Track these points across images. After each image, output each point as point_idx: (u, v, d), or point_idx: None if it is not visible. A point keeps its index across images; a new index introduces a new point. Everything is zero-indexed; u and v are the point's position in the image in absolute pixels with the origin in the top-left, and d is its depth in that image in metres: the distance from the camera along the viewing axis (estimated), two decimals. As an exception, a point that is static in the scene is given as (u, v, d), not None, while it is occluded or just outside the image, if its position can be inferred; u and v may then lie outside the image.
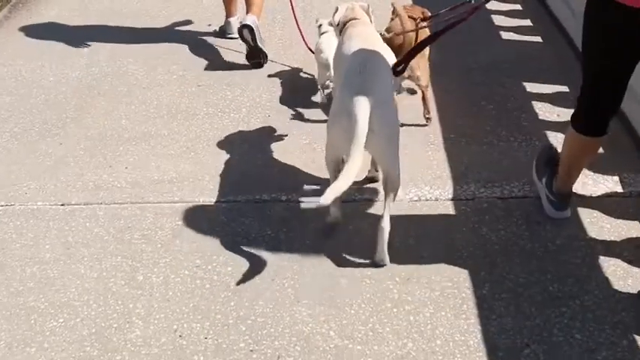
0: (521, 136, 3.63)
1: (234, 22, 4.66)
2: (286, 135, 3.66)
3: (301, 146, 3.56)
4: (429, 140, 3.60)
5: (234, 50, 4.59)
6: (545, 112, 3.82)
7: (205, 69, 4.39)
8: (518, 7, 5.16)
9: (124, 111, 3.96)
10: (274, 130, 3.71)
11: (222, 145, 3.61)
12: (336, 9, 3.21)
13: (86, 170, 3.46)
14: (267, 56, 4.36)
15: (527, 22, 4.90)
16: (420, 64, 3.58)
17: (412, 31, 3.51)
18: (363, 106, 2.49)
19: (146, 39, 4.81)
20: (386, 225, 2.72)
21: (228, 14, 4.75)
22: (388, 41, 3.44)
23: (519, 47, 4.56)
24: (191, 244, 2.95)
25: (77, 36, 4.88)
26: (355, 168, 2.44)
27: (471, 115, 3.82)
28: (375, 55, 2.79)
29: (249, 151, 3.55)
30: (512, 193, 3.21)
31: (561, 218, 3.04)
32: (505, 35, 4.74)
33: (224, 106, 3.95)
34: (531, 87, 4.06)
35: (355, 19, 3.10)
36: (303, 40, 4.26)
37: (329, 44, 3.65)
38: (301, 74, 4.30)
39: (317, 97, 3.96)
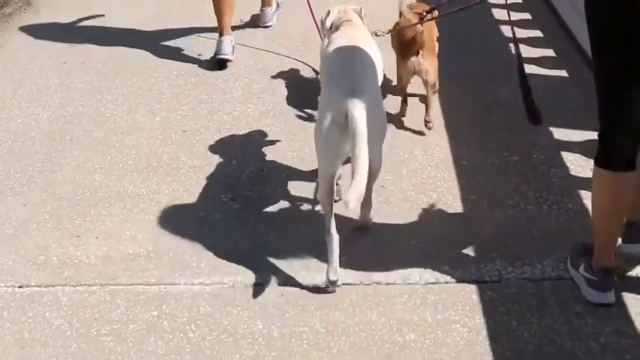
0: (551, 196, 3.16)
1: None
2: (286, 196, 3.21)
3: (300, 213, 3.11)
4: (446, 202, 3.14)
5: (226, 85, 4.13)
6: (577, 165, 3.35)
7: (192, 109, 3.92)
8: (539, 33, 4.69)
9: (99, 163, 3.49)
10: (268, 196, 3.23)
11: (208, 208, 3.14)
12: (328, 12, 3.16)
13: (51, 241, 2.99)
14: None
15: (551, 53, 4.43)
16: (429, 59, 3.53)
17: (417, 24, 3.47)
18: (357, 102, 2.45)
19: (129, 70, 4.35)
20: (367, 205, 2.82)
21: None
22: (397, 38, 3.54)
23: (543, 82, 4.07)
24: (167, 344, 2.49)
25: (55, 63, 4.47)
26: (365, 168, 2.39)
27: (493, 169, 3.35)
28: (360, 53, 2.76)
29: (237, 214, 3.09)
30: (545, 274, 2.75)
31: (604, 304, 2.58)
32: (527, 68, 4.24)
33: (212, 159, 3.48)
34: (560, 133, 3.59)
35: (347, 21, 3.05)
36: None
37: None
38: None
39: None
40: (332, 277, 2.63)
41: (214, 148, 3.56)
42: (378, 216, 3.00)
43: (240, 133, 3.68)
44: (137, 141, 3.65)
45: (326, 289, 2.66)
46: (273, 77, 4.21)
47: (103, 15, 5.13)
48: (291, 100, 3.96)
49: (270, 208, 3.12)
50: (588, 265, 2.61)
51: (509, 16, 3.31)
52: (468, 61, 4.33)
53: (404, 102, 3.75)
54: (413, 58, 3.51)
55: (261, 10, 4.85)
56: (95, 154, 3.56)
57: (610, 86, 2.42)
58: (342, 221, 2.77)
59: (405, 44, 3.52)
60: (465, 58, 4.36)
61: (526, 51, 4.39)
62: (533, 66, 4.26)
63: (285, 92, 4.04)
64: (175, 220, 3.08)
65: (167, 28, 4.91)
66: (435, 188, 3.23)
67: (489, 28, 4.72)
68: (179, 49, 4.60)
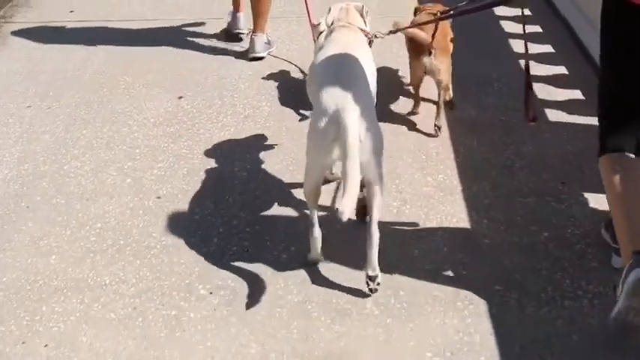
0: (590, 286, 2.65)
1: (242, 18, 4.68)
2: (278, 280, 2.69)
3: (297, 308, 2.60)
4: (464, 298, 2.61)
5: (209, 136, 3.62)
6: (620, 243, 2.84)
7: (170, 167, 3.41)
8: (563, 69, 4.17)
9: (57, 240, 2.97)
10: (254, 282, 2.73)
11: (182, 304, 2.63)
12: (329, 9, 3.06)
13: (-9, 349, 2.48)
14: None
15: (578, 95, 3.91)
16: (442, 59, 3.48)
17: (429, 22, 3.43)
18: (350, 112, 2.41)
19: (101, 116, 3.83)
20: (375, 232, 2.58)
21: (236, 9, 4.69)
22: (411, 38, 3.51)
23: (573, 133, 3.57)
24: None
25: (18, 107, 3.97)
26: (356, 180, 2.34)
27: (520, 250, 2.84)
28: (350, 60, 2.69)
29: (217, 312, 2.58)
30: (592, 400, 2.25)
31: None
32: (553, 115, 3.75)
33: (188, 236, 2.97)
34: (595, 200, 3.07)
35: (343, 26, 2.96)
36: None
37: None
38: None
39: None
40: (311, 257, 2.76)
41: (192, 222, 3.04)
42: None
43: (223, 201, 3.16)
44: (103, 209, 3.13)
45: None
46: (264, 128, 3.71)
47: (74, 43, 4.66)
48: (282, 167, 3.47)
49: (255, 308, 2.61)
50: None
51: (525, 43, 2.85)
52: (486, 106, 3.83)
53: (416, 104, 3.73)
54: (425, 58, 3.46)
55: (251, 37, 4.48)
56: (53, 226, 3.04)
57: (608, 67, 2.47)
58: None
59: (416, 43, 3.48)
60: (485, 101, 3.87)
61: (549, 92, 3.92)
62: (561, 112, 3.78)
63: (277, 153, 3.54)
64: (142, 320, 2.57)
65: (147, 65, 4.40)
66: (453, 279, 2.71)
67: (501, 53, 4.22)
68: (158, 92, 4.09)
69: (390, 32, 3.32)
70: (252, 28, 4.48)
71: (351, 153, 2.35)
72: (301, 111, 3.77)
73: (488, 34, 4.65)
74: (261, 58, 4.41)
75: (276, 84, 4.11)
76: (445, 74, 3.52)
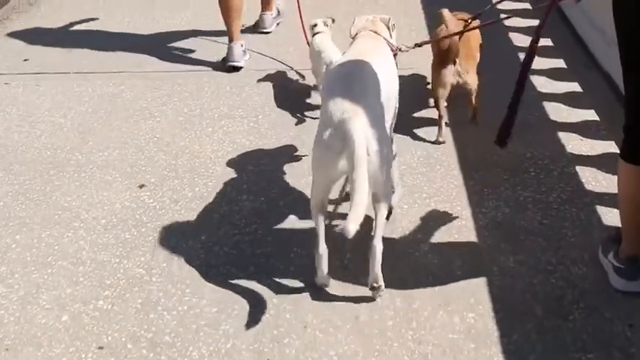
0: None
1: (268, 17, 4.77)
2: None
3: None
4: None
5: (173, 247, 2.86)
6: None
7: (119, 297, 2.63)
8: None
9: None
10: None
11: None
12: (354, 20, 2.96)
13: None
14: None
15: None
16: (469, 68, 3.43)
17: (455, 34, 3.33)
18: (357, 123, 2.30)
19: (41, 215, 3.07)
20: (377, 243, 2.49)
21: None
22: (435, 47, 3.45)
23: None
24: None
25: None
26: (365, 193, 2.22)
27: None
28: (363, 68, 2.57)
29: None
30: None
31: (630, 292, 2.54)
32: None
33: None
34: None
35: (368, 31, 2.86)
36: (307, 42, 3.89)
37: (326, 45, 3.64)
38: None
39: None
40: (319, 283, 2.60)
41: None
42: None
43: (187, 353, 2.40)
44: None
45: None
46: (244, 233, 2.94)
47: (21, 104, 3.88)
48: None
49: None
50: (617, 252, 2.59)
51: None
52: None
53: (440, 124, 3.50)
54: (450, 67, 3.37)
55: (261, 15, 4.77)
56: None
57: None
58: None
59: (441, 53, 3.39)
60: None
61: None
62: (596, 169, 3.21)
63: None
64: None
65: (105, 137, 3.64)
66: None
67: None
68: (115, 177, 3.33)
69: (416, 45, 3.12)
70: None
71: (359, 166, 2.23)
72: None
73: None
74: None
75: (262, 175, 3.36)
76: (473, 81, 3.44)
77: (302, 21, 4.08)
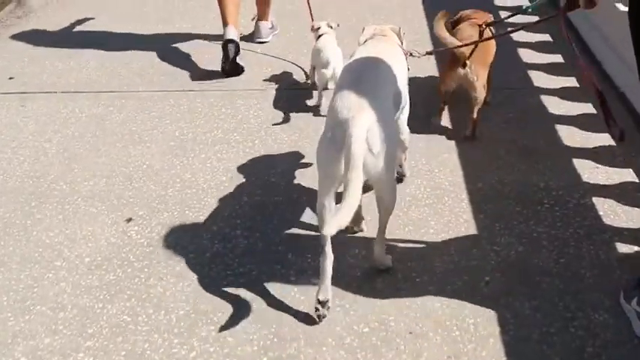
0: None
1: (264, 26, 4.75)
2: None
3: None
4: None
5: (161, 292, 2.65)
6: None
7: (101, 350, 2.43)
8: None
9: None
10: None
11: None
12: (363, 29, 2.95)
13: None
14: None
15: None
16: (480, 73, 3.37)
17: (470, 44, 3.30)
18: (359, 120, 2.24)
19: (20, 253, 2.85)
20: (379, 249, 2.60)
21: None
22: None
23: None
24: None
25: None
26: (357, 195, 2.14)
27: None
28: (374, 66, 2.54)
29: None
30: None
31: None
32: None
33: None
34: None
35: (380, 36, 2.87)
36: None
37: (327, 45, 3.68)
38: None
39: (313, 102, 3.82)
40: (321, 297, 2.43)
41: None
42: None
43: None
44: None
45: (315, 312, 2.44)
46: (236, 274, 2.73)
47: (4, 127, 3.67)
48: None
49: None
50: None
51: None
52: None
53: (441, 108, 3.61)
54: (460, 70, 3.34)
55: (256, 24, 4.75)
56: None
57: None
58: None
59: (452, 54, 3.36)
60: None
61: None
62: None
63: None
64: None
65: (92, 164, 3.44)
66: None
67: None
68: (101, 209, 3.12)
69: (427, 53, 3.14)
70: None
71: (355, 167, 2.16)
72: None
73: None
74: (264, 42, 4.64)
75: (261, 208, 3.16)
76: (481, 88, 3.38)
77: (312, 16, 4.18)
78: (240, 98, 4.00)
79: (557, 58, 4.29)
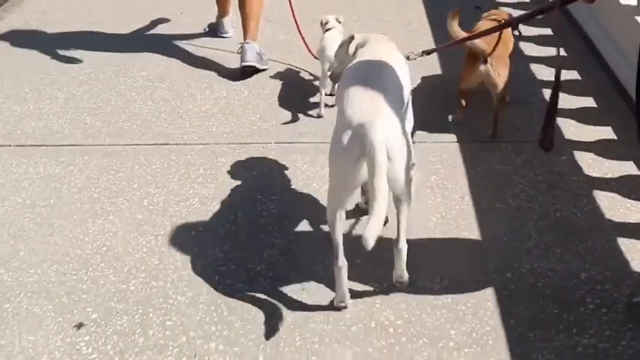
0: None
1: (227, 22, 4.63)
2: None
3: None
4: None
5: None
6: None
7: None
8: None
9: None
10: None
11: None
12: (351, 37, 2.78)
13: None
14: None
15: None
16: (499, 67, 3.32)
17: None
18: (378, 125, 2.19)
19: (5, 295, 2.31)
20: (403, 246, 2.49)
21: (222, 13, 4.62)
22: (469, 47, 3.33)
23: None
24: None
25: None
26: (384, 202, 2.13)
27: None
28: (381, 69, 2.47)
29: None
30: None
31: None
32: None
33: None
34: None
35: (375, 39, 2.75)
36: (306, 46, 4.13)
37: (333, 40, 3.57)
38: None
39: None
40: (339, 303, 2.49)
41: None
42: None
43: None
44: None
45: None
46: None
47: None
48: None
49: None
50: None
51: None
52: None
53: (459, 109, 3.52)
54: (482, 66, 3.31)
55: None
56: None
57: None
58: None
59: (473, 50, 3.32)
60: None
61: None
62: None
63: None
64: None
65: (41, 248, 2.87)
66: None
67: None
68: (49, 313, 2.55)
69: (424, 53, 3.02)
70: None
71: (380, 173, 2.14)
72: None
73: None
74: (252, 68, 4.10)
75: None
76: (501, 85, 3.34)
77: (298, 27, 4.15)
78: (222, 155, 3.44)
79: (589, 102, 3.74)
